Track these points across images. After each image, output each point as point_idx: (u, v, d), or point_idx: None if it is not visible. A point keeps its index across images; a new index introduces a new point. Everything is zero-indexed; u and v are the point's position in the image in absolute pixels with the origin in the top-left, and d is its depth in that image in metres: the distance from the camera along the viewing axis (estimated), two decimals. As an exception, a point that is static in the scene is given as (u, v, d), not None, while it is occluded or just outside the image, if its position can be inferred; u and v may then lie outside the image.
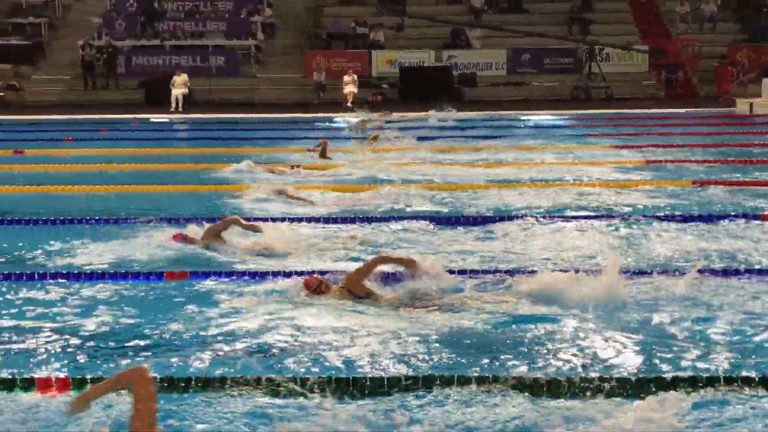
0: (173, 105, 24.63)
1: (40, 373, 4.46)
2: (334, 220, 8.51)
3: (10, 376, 4.36)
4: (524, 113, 21.92)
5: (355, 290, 5.73)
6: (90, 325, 5.32)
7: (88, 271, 6.56)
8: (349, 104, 25.05)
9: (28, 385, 4.23)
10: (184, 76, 25.16)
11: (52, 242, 7.50)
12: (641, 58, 27.93)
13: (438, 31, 29.39)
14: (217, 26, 29.45)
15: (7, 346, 4.98)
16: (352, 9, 30.52)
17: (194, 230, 7.43)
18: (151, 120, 21.48)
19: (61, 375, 4.39)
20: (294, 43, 29.77)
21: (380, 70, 28.21)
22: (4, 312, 5.61)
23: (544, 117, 21.34)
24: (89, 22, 29.38)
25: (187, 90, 25.09)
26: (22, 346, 4.97)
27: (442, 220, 8.49)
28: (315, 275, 5.97)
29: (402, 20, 29.96)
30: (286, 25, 30.51)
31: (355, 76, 26.06)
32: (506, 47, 28.61)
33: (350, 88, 25.62)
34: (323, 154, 13.54)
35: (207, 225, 7.46)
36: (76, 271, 6.58)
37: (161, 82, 25.87)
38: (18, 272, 6.51)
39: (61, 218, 8.52)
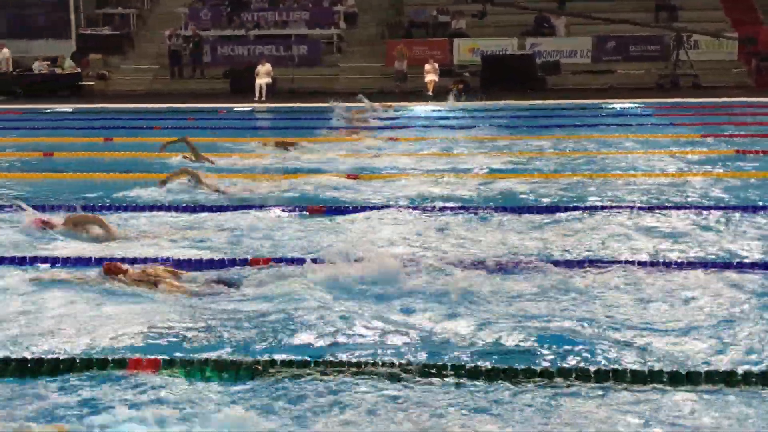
0: (257, 94, 24.96)
1: None
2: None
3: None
4: (609, 101, 21.58)
5: (144, 277, 5.84)
6: None
7: None
8: (429, 93, 24.99)
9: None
10: (268, 66, 25.48)
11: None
12: (731, 46, 27.11)
13: (521, 18, 29.08)
14: (300, 16, 29.71)
15: None
16: (433, -3, 30.46)
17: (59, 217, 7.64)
18: (236, 109, 21.79)
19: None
20: (376, 32, 29.84)
21: (462, 58, 28.06)
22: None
23: (628, 105, 20.95)
24: (176, 13, 30.00)
25: (270, 79, 25.40)
26: None
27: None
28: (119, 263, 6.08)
29: (484, 8, 29.70)
30: (368, 14, 30.59)
31: (436, 65, 25.98)
32: (591, 34, 28.15)
33: (431, 77, 25.55)
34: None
35: (68, 214, 7.62)
36: None
37: (245, 71, 26.25)
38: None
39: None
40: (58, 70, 27.36)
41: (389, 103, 21.04)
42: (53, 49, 28.70)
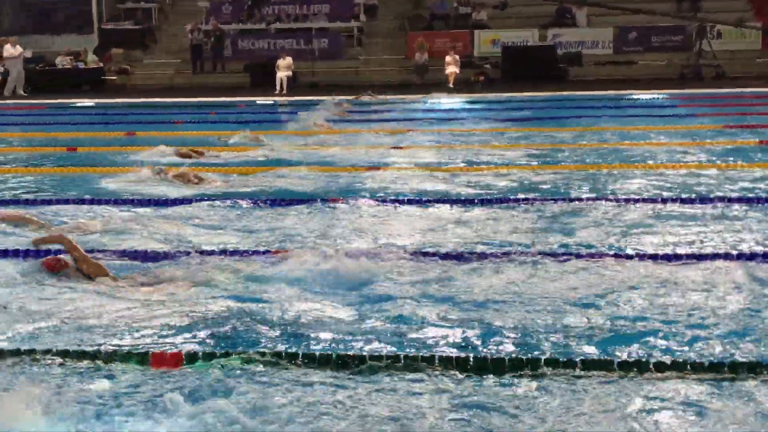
0: (278, 88, 25.02)
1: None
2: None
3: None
4: (631, 93, 21.48)
5: (84, 270, 5.78)
6: None
7: None
8: (450, 85, 24.95)
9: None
10: (289, 59, 25.54)
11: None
12: (755, 36, 26.87)
13: (542, 9, 28.95)
14: (321, 9, 29.74)
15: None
16: (455, -12, 30.37)
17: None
18: (257, 102, 21.85)
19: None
20: (396, 25, 29.82)
21: (483, 50, 28.00)
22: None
23: (650, 96, 20.83)
24: (197, 7, 30.09)
25: (291, 73, 25.45)
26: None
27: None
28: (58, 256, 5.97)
29: (505, -1, 29.66)
30: (389, 6, 30.57)
31: (457, 57, 25.94)
32: (613, 25, 27.98)
33: (452, 69, 25.51)
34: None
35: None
36: None
37: (266, 65, 26.32)
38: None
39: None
40: (81, 65, 27.52)
41: (372, 94, 21.12)
42: (76, 43, 28.90)
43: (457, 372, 4.21)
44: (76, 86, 26.15)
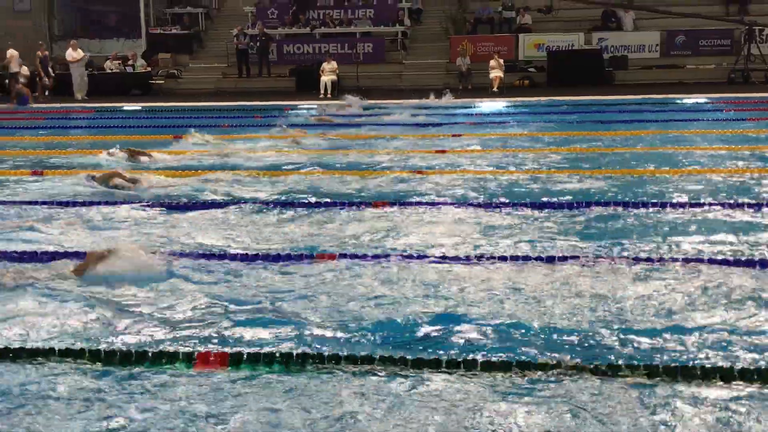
0: (322, 91, 25.17)
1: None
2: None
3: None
4: (678, 97, 21.24)
5: None
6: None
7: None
8: (494, 89, 24.90)
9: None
10: (334, 63, 25.70)
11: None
12: (806, 39, 26.43)
13: (588, 13, 28.78)
14: (365, 13, 29.85)
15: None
16: (499, -8, 30.30)
17: None
18: (302, 106, 21.98)
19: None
20: (440, 29, 29.81)
21: (527, 54, 27.89)
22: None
23: (698, 100, 20.59)
24: (243, 12, 30.41)
25: (335, 77, 25.59)
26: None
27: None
28: None
29: (551, 3, 29.50)
30: (433, 10, 30.58)
31: (501, 61, 25.87)
32: (660, 29, 27.70)
33: (496, 73, 25.45)
34: None
35: None
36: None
37: (311, 69, 26.50)
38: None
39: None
40: (129, 69, 27.93)
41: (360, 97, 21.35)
42: (124, 48, 29.36)
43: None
44: (125, 90, 26.55)
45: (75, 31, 31.38)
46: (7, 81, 26.18)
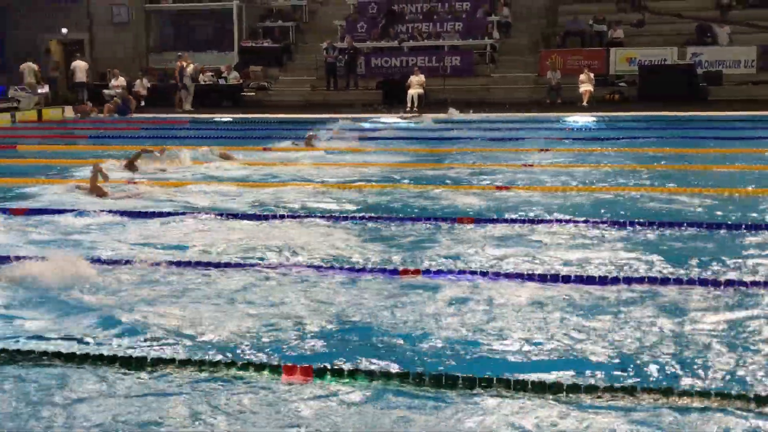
0: (408, 105, 25.25)
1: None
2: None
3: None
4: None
5: None
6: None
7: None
8: (584, 103, 24.60)
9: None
10: (421, 77, 25.76)
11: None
12: None
13: (681, 27, 28.19)
14: (454, 27, 29.86)
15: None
16: (590, 6, 29.88)
17: None
18: (388, 120, 22.10)
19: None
20: (529, 42, 29.60)
21: (618, 68, 27.45)
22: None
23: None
24: (333, 25, 30.77)
25: (422, 90, 25.65)
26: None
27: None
28: None
29: (643, 16, 29.00)
30: (522, 23, 30.39)
31: (592, 75, 25.55)
32: (756, 43, 26.93)
33: (586, 87, 25.15)
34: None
35: None
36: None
37: (398, 82, 26.63)
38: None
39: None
40: (221, 82, 28.54)
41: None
42: (217, 61, 30.03)
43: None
44: (217, 102, 27.14)
45: (169, 44, 32.27)
46: (105, 93, 27.06)
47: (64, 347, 4.95)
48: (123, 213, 9.07)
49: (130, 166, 12.38)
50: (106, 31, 31.09)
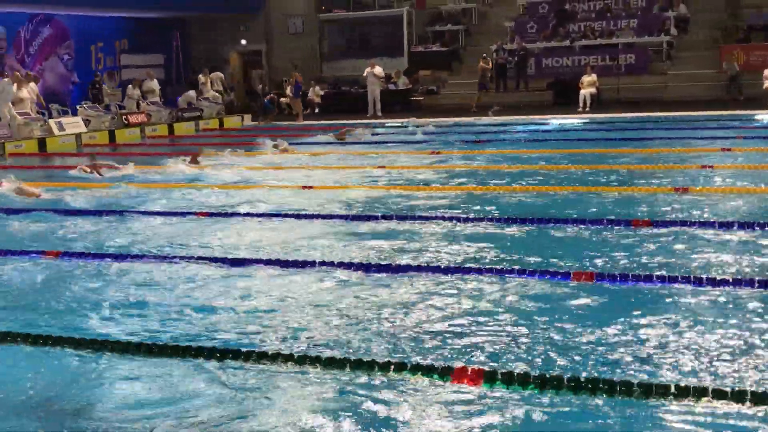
0: (581, 105, 24.73)
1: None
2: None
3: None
4: None
5: None
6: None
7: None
8: (770, 100, 23.28)
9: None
10: (593, 76, 25.18)
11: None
12: None
13: None
14: (629, 24, 29.00)
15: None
16: (775, -2, 28.26)
17: None
18: (559, 122, 21.74)
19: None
20: (708, 37, 28.31)
21: (807, 62, 25.79)
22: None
23: None
24: (502, 27, 30.57)
25: (595, 89, 25.06)
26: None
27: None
28: None
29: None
30: (701, 18, 29.09)
31: (776, 70, 24.15)
32: None
33: (771, 83, 23.80)
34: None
35: None
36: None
37: (569, 82, 26.14)
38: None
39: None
40: (392, 87, 28.92)
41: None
42: (388, 66, 30.45)
43: None
44: (388, 106, 27.52)
45: (341, 51, 33.06)
46: (281, 99, 28.07)
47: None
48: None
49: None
50: (283, 42, 32.20)
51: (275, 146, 16.87)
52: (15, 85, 20.66)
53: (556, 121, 21.74)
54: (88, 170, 13.84)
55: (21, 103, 20.72)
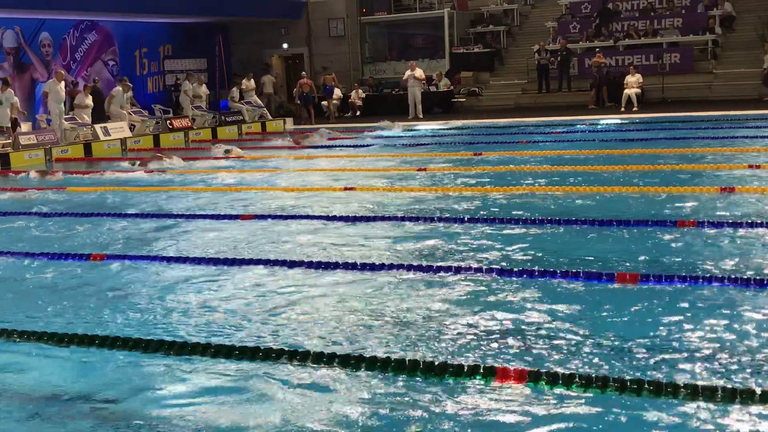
0: (623, 105, 24.49)
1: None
2: None
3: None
4: None
5: None
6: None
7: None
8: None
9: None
10: (637, 76, 24.92)
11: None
12: None
13: None
14: (673, 23, 28.67)
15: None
16: (826, -6, 27.74)
17: None
18: (602, 122, 21.54)
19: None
20: (755, 36, 27.85)
21: None
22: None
23: None
24: (545, 27, 30.39)
25: (639, 89, 24.81)
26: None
27: None
28: None
29: None
30: (748, 16, 28.65)
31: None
32: None
33: (820, 81, 23.38)
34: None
35: None
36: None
37: (613, 82, 25.89)
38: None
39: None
40: (433, 89, 28.90)
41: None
42: (429, 68, 30.42)
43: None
44: (428, 109, 27.48)
45: (383, 53, 33.12)
46: (324, 102, 28.25)
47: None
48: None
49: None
50: (324, 45, 32.33)
51: (227, 151, 17.90)
52: (82, 92, 22.40)
53: (604, 121, 21.54)
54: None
55: (85, 109, 21.77)
